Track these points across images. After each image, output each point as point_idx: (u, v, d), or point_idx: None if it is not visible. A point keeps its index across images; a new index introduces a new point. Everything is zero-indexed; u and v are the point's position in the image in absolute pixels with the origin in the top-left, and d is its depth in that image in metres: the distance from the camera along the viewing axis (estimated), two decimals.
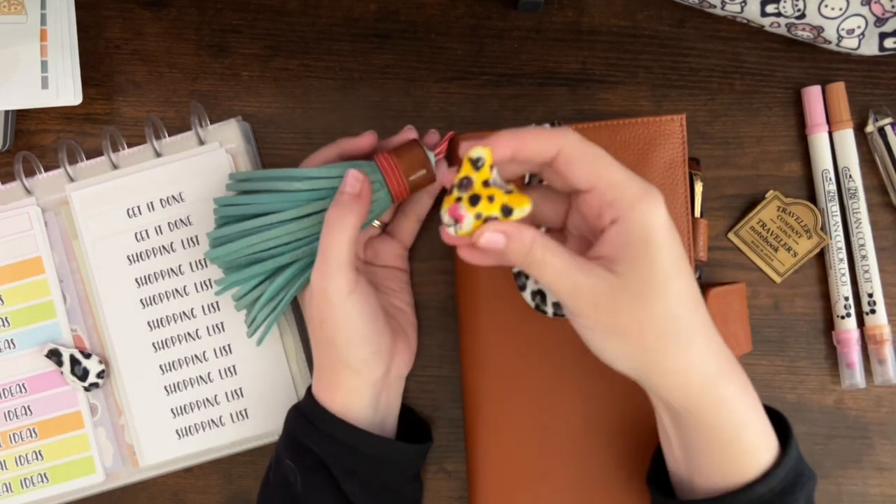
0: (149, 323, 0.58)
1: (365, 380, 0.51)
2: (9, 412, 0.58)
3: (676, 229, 0.43)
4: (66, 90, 0.57)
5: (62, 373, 0.57)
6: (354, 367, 0.50)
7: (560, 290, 0.43)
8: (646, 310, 0.42)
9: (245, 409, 0.58)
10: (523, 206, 0.42)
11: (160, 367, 0.58)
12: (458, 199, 0.43)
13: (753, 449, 0.45)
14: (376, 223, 0.57)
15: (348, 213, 0.47)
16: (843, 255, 0.58)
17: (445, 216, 0.43)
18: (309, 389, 0.53)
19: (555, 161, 0.43)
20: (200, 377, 0.58)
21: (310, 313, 0.51)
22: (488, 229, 0.42)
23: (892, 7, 0.53)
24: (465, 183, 0.42)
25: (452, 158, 0.56)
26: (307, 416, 0.51)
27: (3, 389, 0.58)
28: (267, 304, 0.52)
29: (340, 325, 0.49)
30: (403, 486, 0.54)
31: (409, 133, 0.54)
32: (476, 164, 0.42)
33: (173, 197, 0.58)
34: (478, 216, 0.42)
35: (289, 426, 0.53)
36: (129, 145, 0.59)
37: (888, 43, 0.55)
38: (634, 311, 0.42)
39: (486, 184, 0.42)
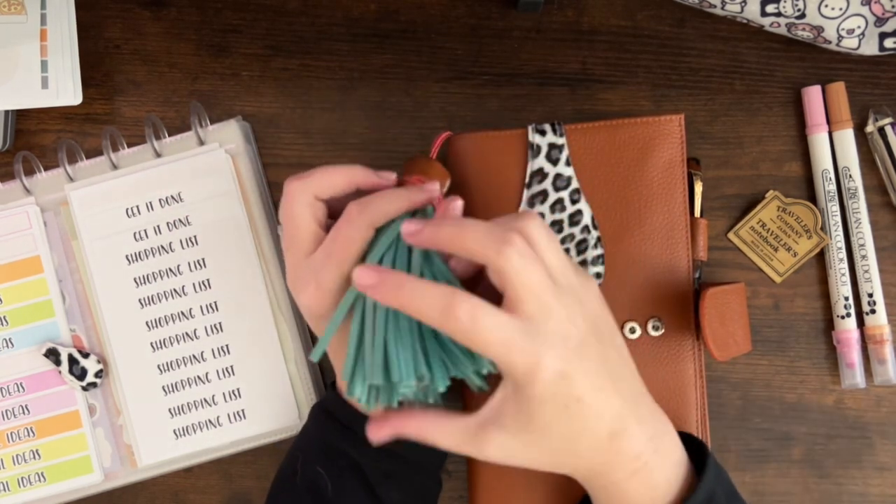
0: (147, 323, 0.58)
1: None
2: (6, 411, 0.58)
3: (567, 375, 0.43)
4: (66, 90, 0.57)
5: (60, 372, 0.57)
6: None
7: (458, 450, 0.45)
8: (535, 455, 0.45)
9: (242, 410, 0.58)
10: None
11: (158, 367, 0.58)
12: None
13: None
14: None
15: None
16: (843, 255, 0.58)
17: None
18: (332, 386, 0.53)
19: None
20: (198, 377, 0.58)
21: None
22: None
23: (892, 7, 0.53)
24: None
25: (447, 158, 0.56)
26: (340, 420, 0.51)
27: (1, 388, 0.58)
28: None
29: None
30: (432, 485, 0.54)
31: (391, 176, 0.51)
32: None
33: (172, 197, 0.58)
34: None
35: (319, 430, 0.52)
36: (129, 145, 0.59)
37: (888, 43, 0.55)
38: (521, 459, 0.45)
39: None
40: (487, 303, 0.42)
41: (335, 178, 0.48)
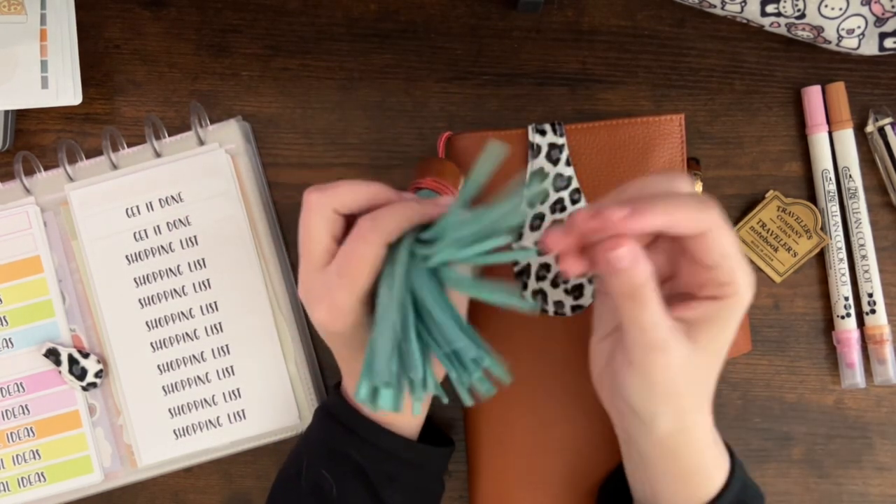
0: (147, 323, 0.58)
1: None
2: (6, 411, 0.58)
3: None
4: (66, 90, 0.57)
5: (60, 372, 0.57)
6: None
7: (640, 339, 0.43)
8: (695, 382, 0.44)
9: (242, 410, 0.58)
10: None
11: (158, 367, 0.58)
12: None
13: (709, 475, 0.47)
14: None
15: None
16: (843, 255, 0.58)
17: None
18: (336, 389, 0.52)
19: (693, 239, 0.42)
20: (198, 377, 0.58)
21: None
22: (624, 245, 0.40)
23: (892, 7, 0.53)
24: None
25: (448, 158, 0.56)
26: (343, 423, 0.50)
27: (1, 388, 0.58)
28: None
29: None
30: (435, 486, 0.54)
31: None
32: None
33: (172, 197, 0.58)
34: None
35: (322, 433, 0.52)
36: (129, 145, 0.59)
37: (888, 43, 0.55)
38: (685, 380, 0.44)
39: None
40: None
41: (357, 194, 0.47)
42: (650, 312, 0.42)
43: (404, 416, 0.51)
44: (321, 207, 0.46)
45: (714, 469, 0.47)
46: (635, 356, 0.43)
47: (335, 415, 0.51)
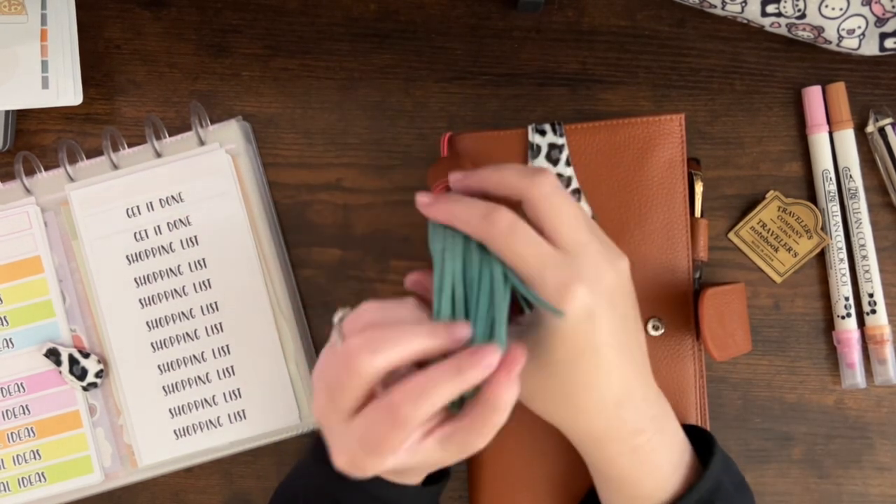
0: (147, 323, 0.58)
1: None
2: (7, 411, 0.58)
3: (603, 314, 0.43)
4: (67, 90, 0.57)
5: (60, 372, 0.57)
6: None
7: None
8: (533, 384, 0.45)
9: (243, 410, 0.58)
10: None
11: (158, 367, 0.58)
12: None
13: (638, 486, 0.47)
14: None
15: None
16: (844, 255, 0.58)
17: None
18: None
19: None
20: (199, 377, 0.58)
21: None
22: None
23: (893, 7, 0.53)
24: None
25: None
26: (332, 463, 0.45)
27: (2, 388, 0.58)
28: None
29: None
30: None
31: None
32: None
33: (173, 197, 0.58)
34: None
35: (316, 469, 0.49)
36: (130, 145, 0.59)
37: (888, 43, 0.55)
38: (533, 380, 0.44)
39: None
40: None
41: (409, 354, 0.40)
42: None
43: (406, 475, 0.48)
44: (366, 372, 0.39)
45: (648, 480, 0.46)
46: None
47: (327, 455, 0.46)
